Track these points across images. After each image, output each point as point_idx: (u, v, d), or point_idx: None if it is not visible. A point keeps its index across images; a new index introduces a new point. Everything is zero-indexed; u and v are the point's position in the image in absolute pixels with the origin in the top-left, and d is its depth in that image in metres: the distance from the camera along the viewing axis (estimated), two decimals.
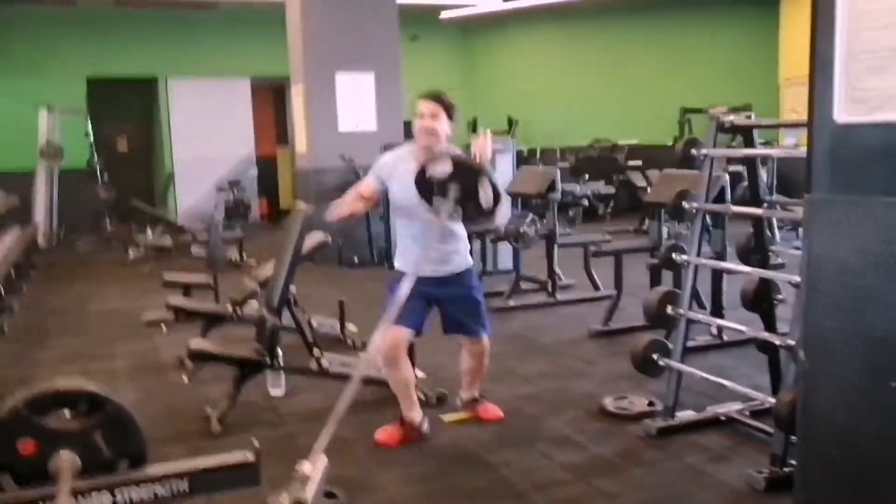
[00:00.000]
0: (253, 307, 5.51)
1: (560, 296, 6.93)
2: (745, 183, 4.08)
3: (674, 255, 3.98)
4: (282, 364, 4.34)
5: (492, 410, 4.15)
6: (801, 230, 8.60)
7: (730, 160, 8.10)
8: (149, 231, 10.36)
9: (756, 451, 3.58)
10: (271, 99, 15.91)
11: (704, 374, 3.84)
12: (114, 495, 2.10)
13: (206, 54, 13.99)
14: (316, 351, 4.47)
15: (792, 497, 3.03)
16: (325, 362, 4.43)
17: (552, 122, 15.02)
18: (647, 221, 11.29)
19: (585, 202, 11.73)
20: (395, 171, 3.66)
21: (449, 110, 3.64)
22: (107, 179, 12.21)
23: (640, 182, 11.47)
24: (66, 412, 2.22)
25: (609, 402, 4.22)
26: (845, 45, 2.71)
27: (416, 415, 3.83)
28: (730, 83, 13.48)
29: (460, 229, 3.78)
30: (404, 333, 3.68)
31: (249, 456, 2.30)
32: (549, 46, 16.06)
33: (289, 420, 4.26)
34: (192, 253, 9.47)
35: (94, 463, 2.14)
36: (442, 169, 3.22)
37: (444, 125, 3.62)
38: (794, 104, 12.08)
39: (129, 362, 5.48)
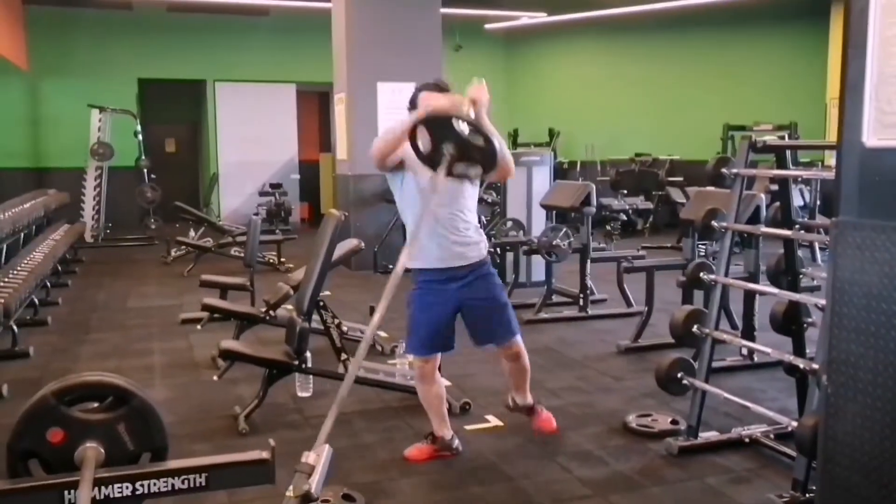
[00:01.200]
0: (284, 309, 5.62)
1: (591, 310, 6.91)
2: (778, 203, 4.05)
3: (701, 275, 3.97)
4: (309, 367, 4.40)
5: (546, 423, 4.06)
6: None
7: (772, 180, 8.02)
8: (191, 231, 10.56)
9: (778, 476, 3.55)
10: (316, 105, 16.12)
11: (728, 395, 3.82)
12: (134, 487, 2.17)
13: (254, 59, 14.24)
14: (343, 355, 4.52)
15: None
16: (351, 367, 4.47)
17: (593, 136, 14.99)
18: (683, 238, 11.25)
19: (624, 217, 11.69)
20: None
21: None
22: (153, 179, 12.49)
23: (680, 198, 11.40)
24: (95, 405, 2.30)
25: (632, 419, 4.21)
26: (876, 68, 2.69)
27: (446, 431, 3.80)
28: (775, 101, 13.33)
29: (470, 216, 3.63)
30: (435, 362, 3.71)
31: (265, 454, 2.35)
32: (593, 60, 16.03)
33: (314, 422, 4.31)
34: (232, 254, 9.64)
35: (118, 455, 2.21)
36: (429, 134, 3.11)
37: None
38: None
39: (164, 359, 5.60)
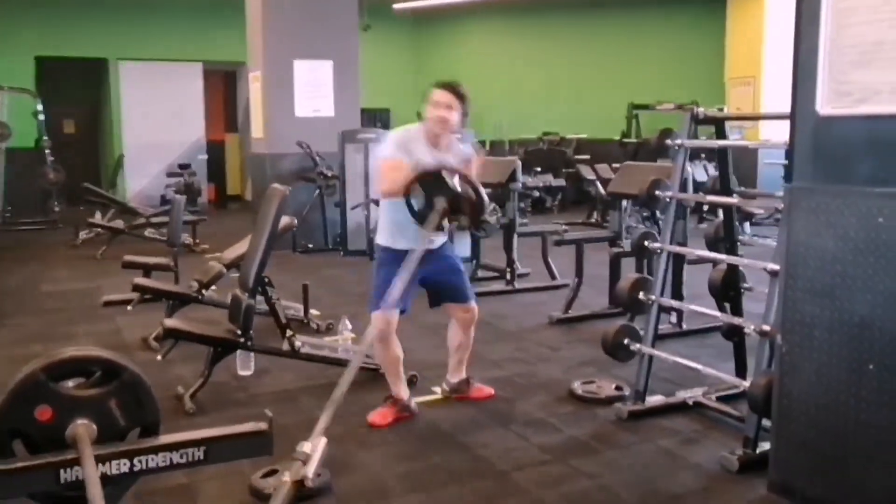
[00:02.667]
0: (215, 289, 5.50)
1: (518, 284, 7.02)
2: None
3: (646, 243, 4.08)
4: (256, 344, 4.32)
5: (484, 390, 4.25)
6: (748, 222, 8.86)
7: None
8: (98, 213, 10.14)
9: (724, 435, 3.70)
10: (221, 84, 15.70)
11: (677, 359, 3.95)
12: (132, 463, 2.09)
13: (159, 37, 13.75)
14: (288, 331, 4.46)
15: (767, 477, 3.16)
16: (297, 343, 4.42)
17: (501, 115, 15.11)
18: (594, 213, 11.51)
19: (536, 194, 11.87)
20: (411, 149, 3.66)
21: (464, 102, 3.70)
22: (54, 160, 11.93)
23: (590, 175, 11.63)
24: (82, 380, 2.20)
25: (578, 387, 4.31)
26: (830, 39, 2.82)
27: (404, 392, 3.88)
28: (677, 81, 13.74)
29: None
30: (396, 314, 3.76)
31: (263, 426, 2.31)
32: (500, 40, 16.16)
33: (260, 400, 4.25)
34: (147, 235, 9.35)
35: (110, 431, 2.13)
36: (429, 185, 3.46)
37: (456, 116, 3.68)
38: (739, 102, 12.46)
39: (92, 342, 5.35)
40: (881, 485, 2.76)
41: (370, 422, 3.81)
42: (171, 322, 4.18)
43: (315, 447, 2.35)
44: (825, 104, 2.85)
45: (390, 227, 3.81)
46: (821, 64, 2.84)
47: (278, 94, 9.32)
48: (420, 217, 3.50)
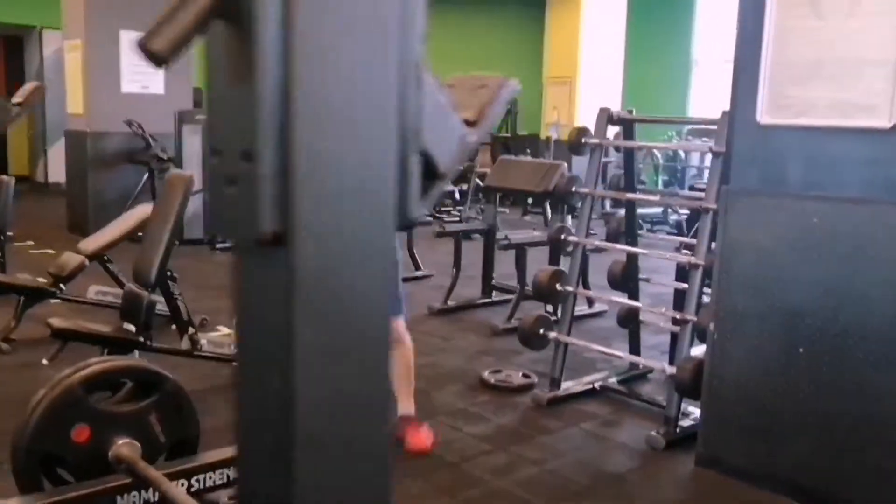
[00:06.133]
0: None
1: None
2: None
3: (563, 236, 4.25)
4: (156, 344, 4.05)
5: (421, 439, 3.51)
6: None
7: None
8: None
9: (636, 416, 3.96)
10: (3, 51, 14.29)
11: (596, 346, 4.17)
12: (190, 482, 1.91)
13: None
14: (190, 329, 4.23)
15: (695, 452, 3.42)
16: (203, 342, 4.20)
17: None
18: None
19: None
20: None
21: None
22: None
23: None
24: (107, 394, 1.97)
25: (489, 376, 4.41)
26: (771, 55, 3.09)
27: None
28: None
29: None
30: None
31: None
32: None
33: None
34: None
35: (151, 449, 1.92)
36: None
37: None
38: (556, 101, 13.12)
39: None
40: (807, 451, 3.07)
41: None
42: (58, 322, 3.80)
43: None
44: (765, 115, 3.12)
45: None
46: (762, 78, 3.10)
47: (102, 67, 8.65)
48: None
